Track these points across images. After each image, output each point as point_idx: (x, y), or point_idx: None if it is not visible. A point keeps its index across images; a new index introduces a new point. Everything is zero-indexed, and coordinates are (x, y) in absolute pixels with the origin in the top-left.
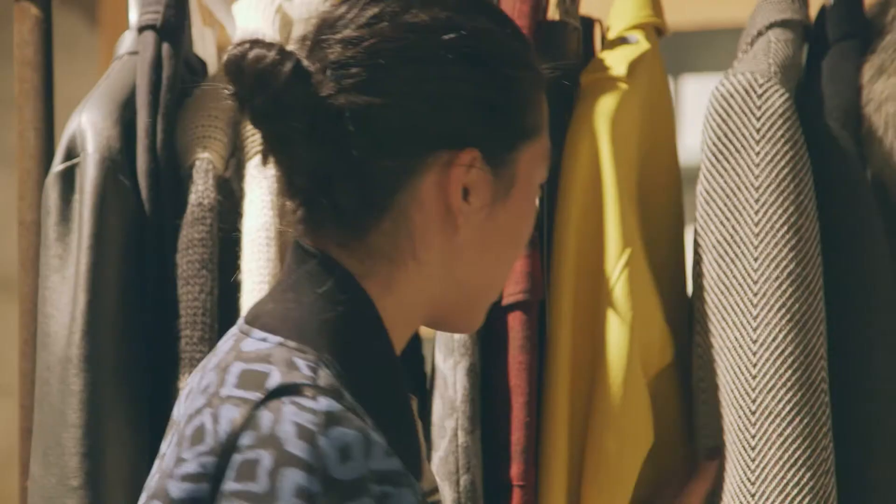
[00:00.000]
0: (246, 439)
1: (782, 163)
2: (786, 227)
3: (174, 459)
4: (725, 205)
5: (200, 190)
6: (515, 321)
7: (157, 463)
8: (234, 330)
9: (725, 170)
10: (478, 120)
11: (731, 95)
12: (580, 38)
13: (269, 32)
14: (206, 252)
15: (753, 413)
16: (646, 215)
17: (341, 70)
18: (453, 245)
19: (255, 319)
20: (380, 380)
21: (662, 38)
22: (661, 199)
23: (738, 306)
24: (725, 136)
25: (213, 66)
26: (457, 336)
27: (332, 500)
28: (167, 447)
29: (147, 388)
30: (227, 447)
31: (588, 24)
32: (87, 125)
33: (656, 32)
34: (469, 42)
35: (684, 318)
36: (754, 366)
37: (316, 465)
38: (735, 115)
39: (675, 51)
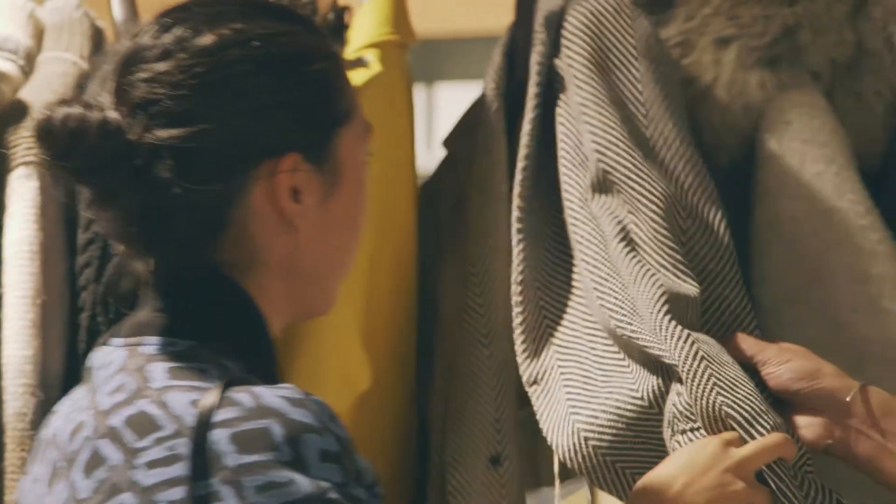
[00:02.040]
0: (227, 414)
1: (665, 80)
2: (680, 142)
3: (124, 453)
4: (607, 117)
5: None
6: None
7: (29, 485)
8: (107, 349)
9: (606, 83)
10: (290, 123)
11: (601, 14)
12: (315, 10)
13: (22, 38)
14: None
15: None
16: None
17: (149, 108)
18: (297, 243)
19: (141, 330)
20: (267, 375)
21: (416, 45)
22: (394, 213)
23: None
24: (601, 50)
25: None
26: None
27: (347, 456)
28: (42, 466)
29: None
30: (201, 426)
31: (341, 11)
32: None
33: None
34: (263, 50)
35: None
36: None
37: (324, 426)
38: (610, 33)
39: (428, 58)
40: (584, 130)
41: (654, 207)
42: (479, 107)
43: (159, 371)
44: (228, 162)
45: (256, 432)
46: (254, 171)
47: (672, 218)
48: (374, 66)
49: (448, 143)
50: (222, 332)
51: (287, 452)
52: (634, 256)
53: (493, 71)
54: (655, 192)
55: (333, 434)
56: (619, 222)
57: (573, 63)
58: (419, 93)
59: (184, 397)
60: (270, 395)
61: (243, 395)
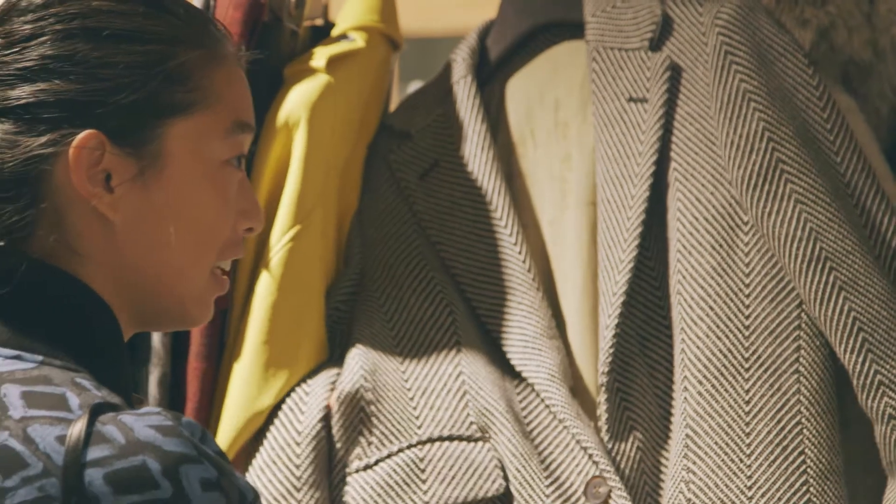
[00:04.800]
0: (99, 452)
1: (812, 66)
2: (847, 128)
3: None
4: (779, 109)
5: None
6: (196, 329)
7: None
8: None
9: (773, 73)
10: (99, 97)
11: (750, 9)
12: (297, 39)
13: None
14: None
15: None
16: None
17: None
18: (114, 233)
19: None
20: (121, 381)
21: (413, 42)
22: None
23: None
24: (761, 43)
25: None
26: (155, 343)
27: (226, 479)
28: None
29: None
30: (71, 465)
31: (329, 27)
32: None
33: (391, 43)
34: (97, 19)
35: None
36: None
37: (199, 453)
38: (765, 26)
39: (426, 56)
40: (752, 119)
41: (829, 199)
42: (441, 84)
43: (14, 397)
44: (32, 122)
45: (132, 471)
46: (56, 140)
47: (846, 206)
48: (356, 43)
49: (396, 118)
50: (68, 340)
51: (167, 488)
52: (828, 271)
53: (466, 49)
54: (827, 188)
55: (209, 459)
56: (803, 226)
57: (735, 53)
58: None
59: (48, 432)
60: (140, 426)
61: (112, 430)
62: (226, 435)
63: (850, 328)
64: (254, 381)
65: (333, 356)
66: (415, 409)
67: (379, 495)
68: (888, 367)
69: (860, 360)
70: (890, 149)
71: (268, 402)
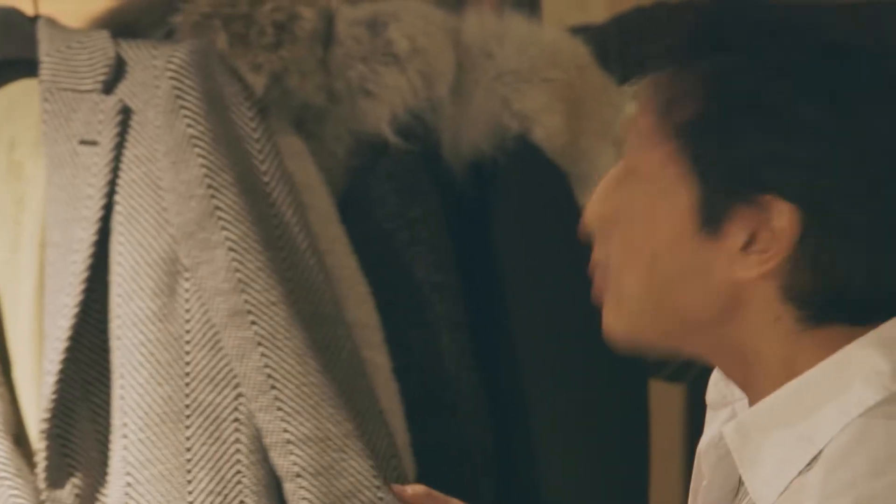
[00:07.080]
0: None
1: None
2: (286, 180)
3: None
4: (223, 155)
5: None
6: None
7: None
8: None
9: (222, 120)
10: None
11: (205, 55)
12: None
13: None
14: None
15: None
16: None
17: None
18: None
19: None
20: None
21: None
22: None
23: None
24: (213, 88)
25: None
26: None
27: None
28: None
29: None
30: None
31: None
32: None
33: None
34: None
35: None
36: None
37: None
38: (218, 73)
39: None
40: (194, 165)
41: (260, 248)
42: None
43: None
44: None
45: None
46: None
47: (276, 257)
48: None
49: None
50: None
51: None
52: (246, 320)
53: None
54: (261, 238)
55: None
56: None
57: (184, 97)
58: None
59: None
60: None
61: None
62: None
63: (262, 385)
64: None
65: None
66: None
67: None
68: (296, 423)
69: (270, 417)
70: (345, 191)
71: None
